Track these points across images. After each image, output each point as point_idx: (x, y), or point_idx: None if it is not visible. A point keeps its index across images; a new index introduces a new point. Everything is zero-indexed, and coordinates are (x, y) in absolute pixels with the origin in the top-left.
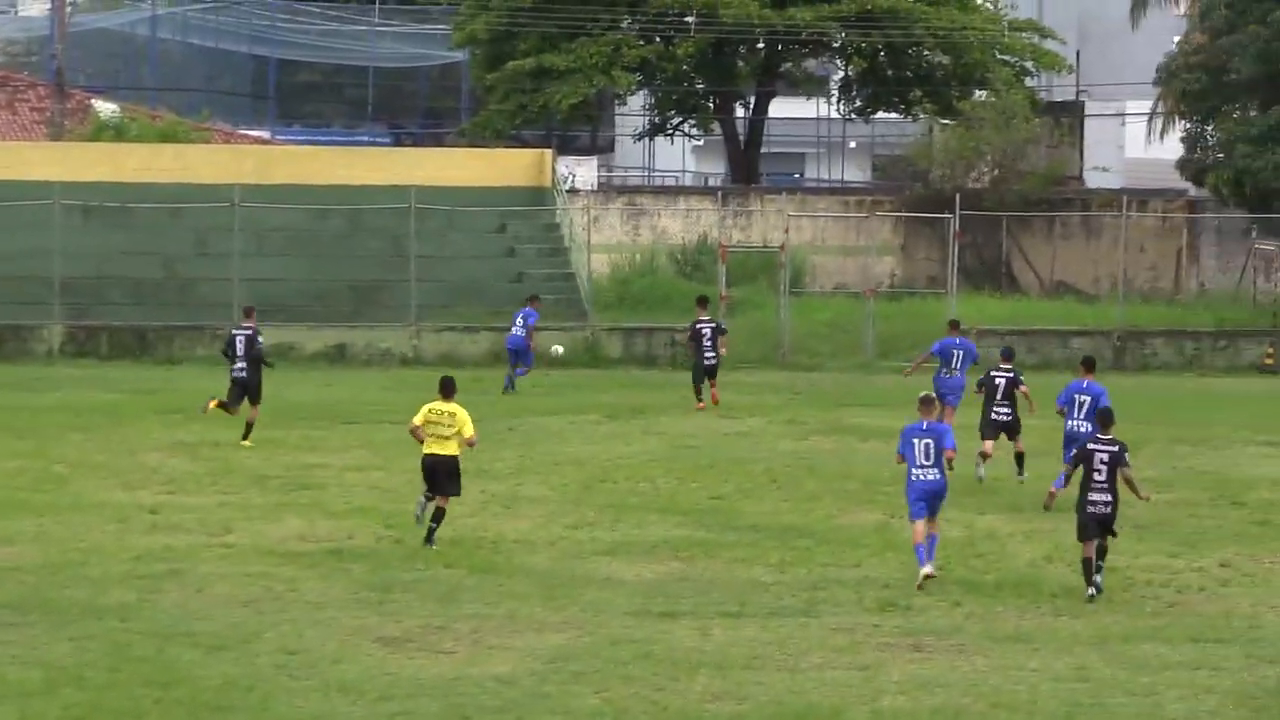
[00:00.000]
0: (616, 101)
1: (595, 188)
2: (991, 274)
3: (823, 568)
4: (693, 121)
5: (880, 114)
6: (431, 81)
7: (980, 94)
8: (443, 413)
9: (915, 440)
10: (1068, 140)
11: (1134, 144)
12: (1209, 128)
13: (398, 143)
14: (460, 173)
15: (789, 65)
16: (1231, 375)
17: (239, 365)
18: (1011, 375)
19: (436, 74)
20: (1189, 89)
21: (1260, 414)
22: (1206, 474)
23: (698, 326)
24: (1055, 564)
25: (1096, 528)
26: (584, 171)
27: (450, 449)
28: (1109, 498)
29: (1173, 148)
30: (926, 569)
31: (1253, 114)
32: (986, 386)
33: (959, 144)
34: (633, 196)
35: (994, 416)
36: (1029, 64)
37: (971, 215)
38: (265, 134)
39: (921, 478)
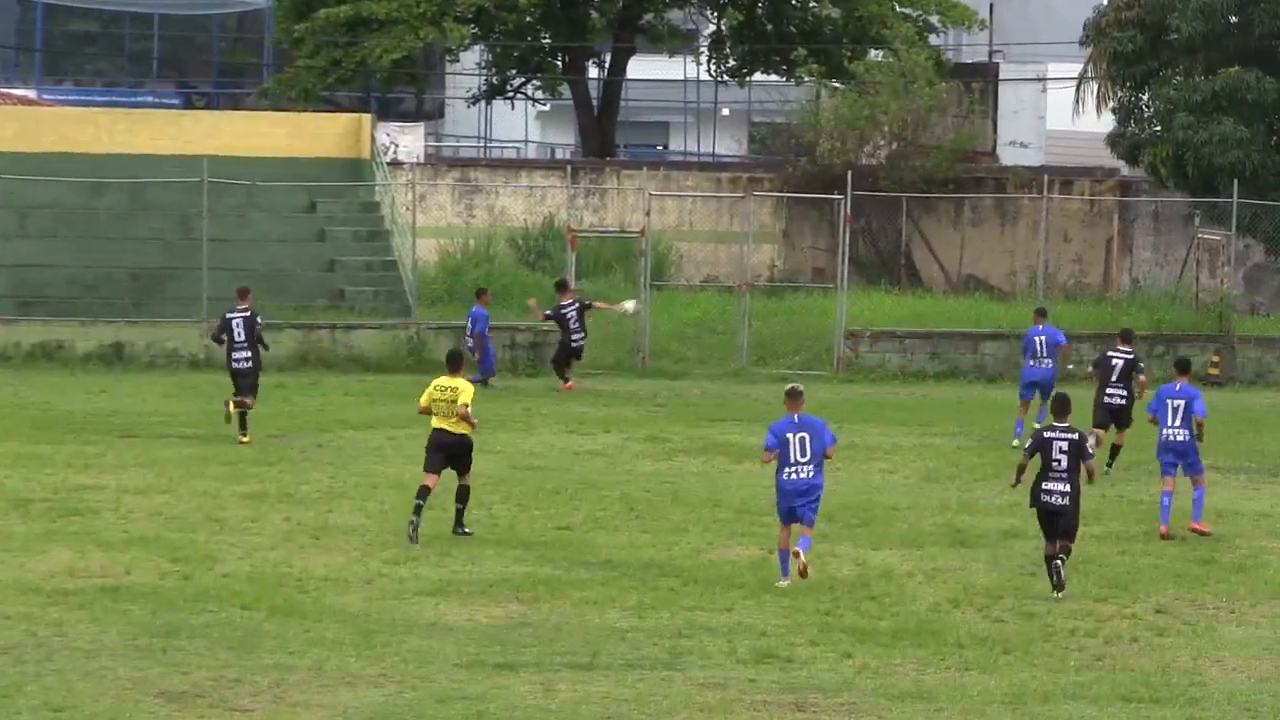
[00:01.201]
0: (448, 58)
1: (422, 160)
2: (889, 266)
3: (689, 612)
4: (537, 83)
5: (758, 76)
6: (228, 33)
7: (876, 53)
8: (448, 388)
9: (789, 436)
10: (979, 109)
11: (1057, 114)
12: (1144, 95)
13: (188, 105)
14: (262, 141)
15: (651, 17)
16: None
17: (241, 354)
18: (1131, 357)
19: (234, 24)
20: (1120, 50)
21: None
22: (1141, 504)
23: (561, 310)
24: (963, 608)
25: (1053, 522)
26: (409, 141)
27: (462, 426)
28: (1066, 488)
29: (1102, 119)
30: (784, 582)
31: (1195, 79)
32: (1103, 367)
33: (851, 112)
34: (466, 171)
35: (1106, 400)
36: (934, 19)
37: (866, 196)
38: (30, 93)
39: (792, 476)
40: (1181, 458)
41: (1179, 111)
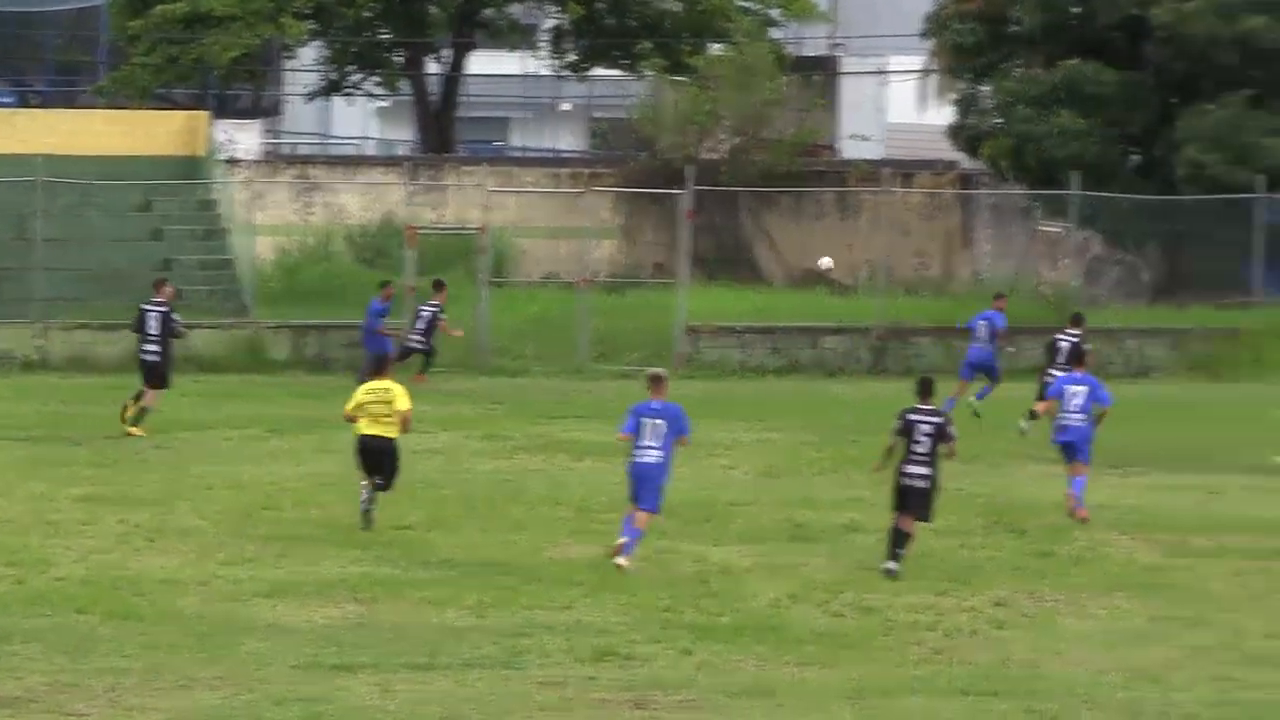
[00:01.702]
0: (285, 55)
1: (260, 157)
2: (730, 261)
3: (528, 610)
4: (376, 79)
5: (599, 71)
6: (63, 29)
7: (717, 47)
8: (379, 389)
9: (645, 420)
10: (821, 103)
11: (898, 107)
12: (985, 88)
13: (22, 103)
14: (97, 140)
15: (491, 12)
16: (1012, 380)
17: (151, 347)
18: (1078, 340)
19: (70, 20)
20: (962, 42)
21: (1045, 425)
22: (980, 497)
23: (422, 308)
24: (802, 603)
25: (906, 499)
26: (246, 138)
27: (390, 430)
28: (927, 471)
29: (943, 112)
30: (622, 559)
31: (1036, 71)
32: (1051, 349)
33: (692, 107)
34: (304, 168)
35: (1050, 378)
36: (775, 12)
37: (706, 191)
38: None
39: (640, 459)
40: (1078, 443)
41: (1019, 104)
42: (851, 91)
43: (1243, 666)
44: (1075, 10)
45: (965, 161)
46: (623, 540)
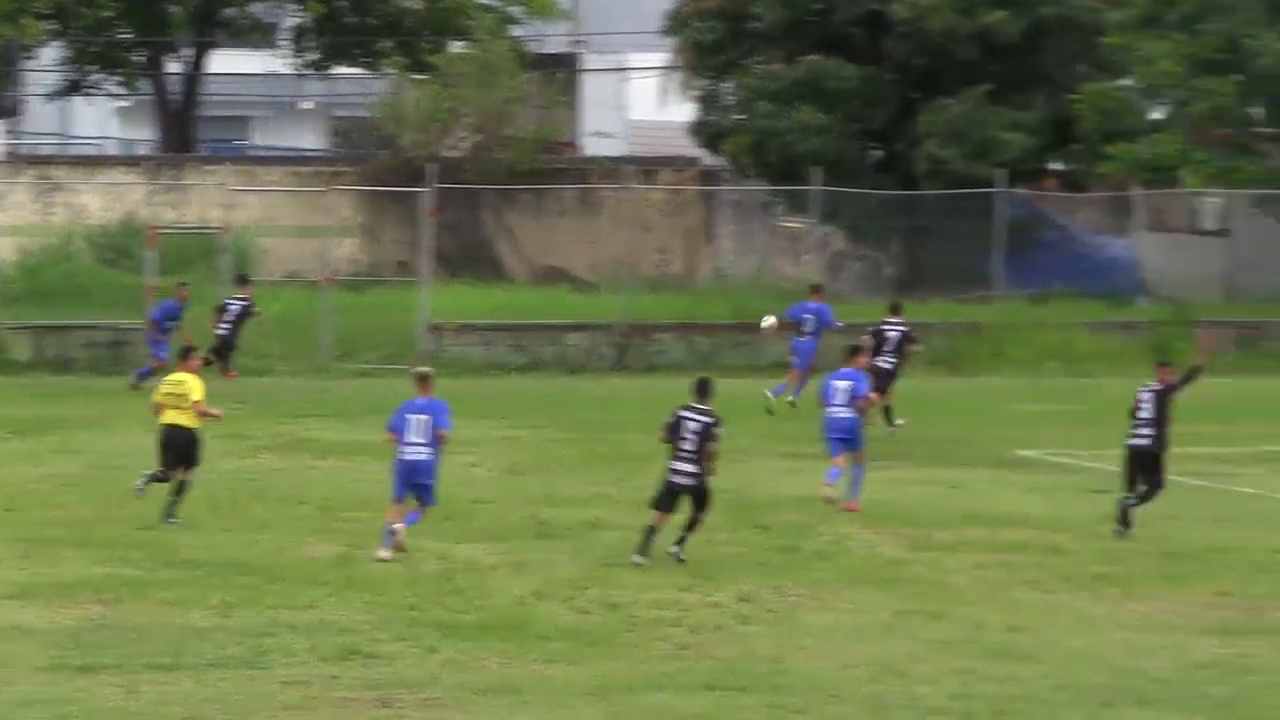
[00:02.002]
0: (25, 55)
1: (1, 158)
2: (473, 258)
3: (272, 610)
4: (117, 79)
5: (340, 69)
6: None
7: (459, 45)
8: (176, 382)
9: (410, 416)
10: (562, 100)
11: (640, 104)
12: (726, 85)
13: None
14: None
15: (232, 11)
16: (753, 376)
17: None
18: (905, 329)
19: None
20: (702, 40)
21: (784, 421)
22: (724, 493)
23: (229, 301)
24: (547, 600)
25: (671, 500)
26: None
27: (187, 419)
28: (693, 469)
29: (685, 109)
30: (384, 553)
31: (776, 67)
32: (878, 337)
33: (433, 105)
34: (45, 168)
35: (879, 364)
36: (516, 10)
37: (448, 189)
38: None
39: (406, 455)
40: (849, 434)
41: (760, 100)
42: (593, 89)
43: (984, 659)
44: (815, 6)
45: (707, 158)
46: (396, 526)
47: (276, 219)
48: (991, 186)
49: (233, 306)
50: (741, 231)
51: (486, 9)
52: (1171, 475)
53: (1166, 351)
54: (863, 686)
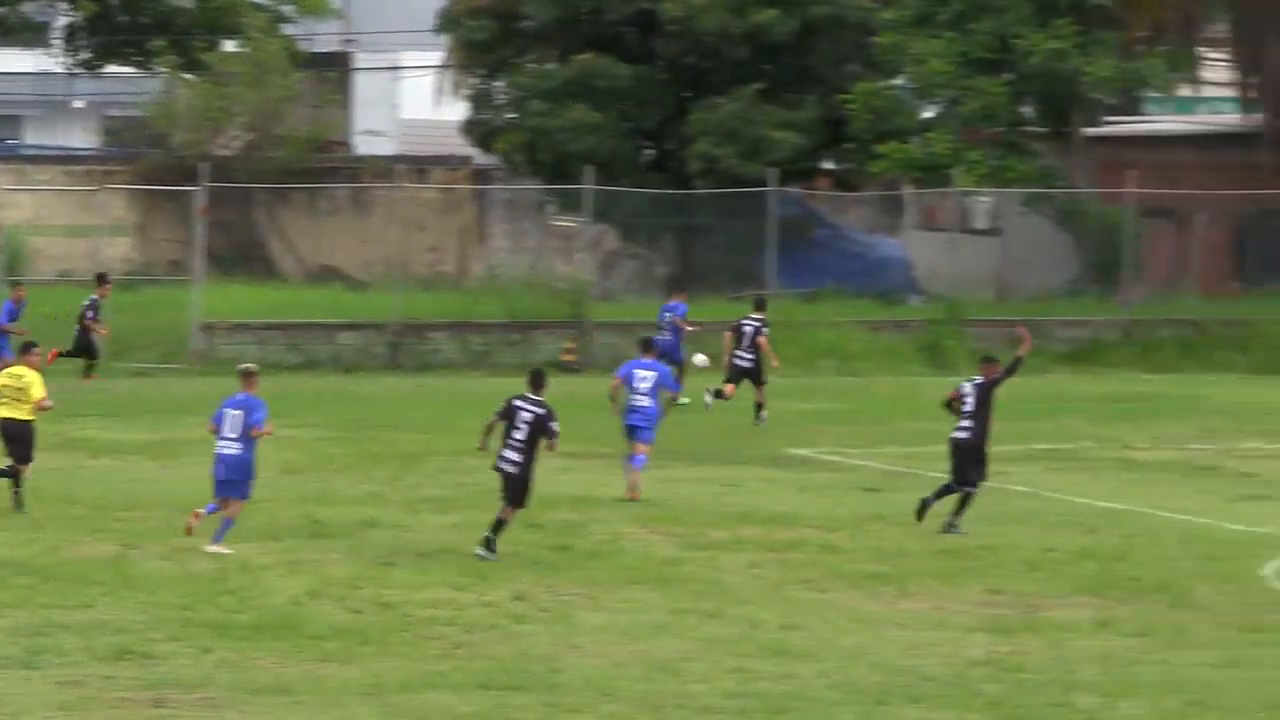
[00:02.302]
0: None
1: None
2: (246, 257)
3: (46, 610)
4: None
5: (112, 68)
6: None
7: (231, 44)
8: (15, 375)
9: (226, 411)
10: (334, 99)
11: (412, 103)
12: (499, 83)
13: None
14: None
15: (3, 9)
16: (525, 374)
17: None
18: (759, 323)
19: None
20: (474, 38)
21: (563, 418)
22: (497, 491)
23: (89, 301)
24: (321, 600)
25: (505, 487)
26: None
27: (23, 413)
28: (519, 458)
29: (458, 107)
30: (214, 546)
31: (548, 66)
32: (736, 333)
33: (205, 103)
34: None
35: (736, 361)
36: (287, 9)
37: (221, 188)
38: None
39: (221, 449)
40: (648, 422)
41: (532, 99)
42: (365, 88)
43: (759, 658)
44: (587, 5)
45: (480, 157)
46: (203, 515)
47: (48, 218)
48: (764, 185)
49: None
50: (514, 230)
51: (259, 8)
52: (943, 474)
53: (938, 349)
54: (637, 685)
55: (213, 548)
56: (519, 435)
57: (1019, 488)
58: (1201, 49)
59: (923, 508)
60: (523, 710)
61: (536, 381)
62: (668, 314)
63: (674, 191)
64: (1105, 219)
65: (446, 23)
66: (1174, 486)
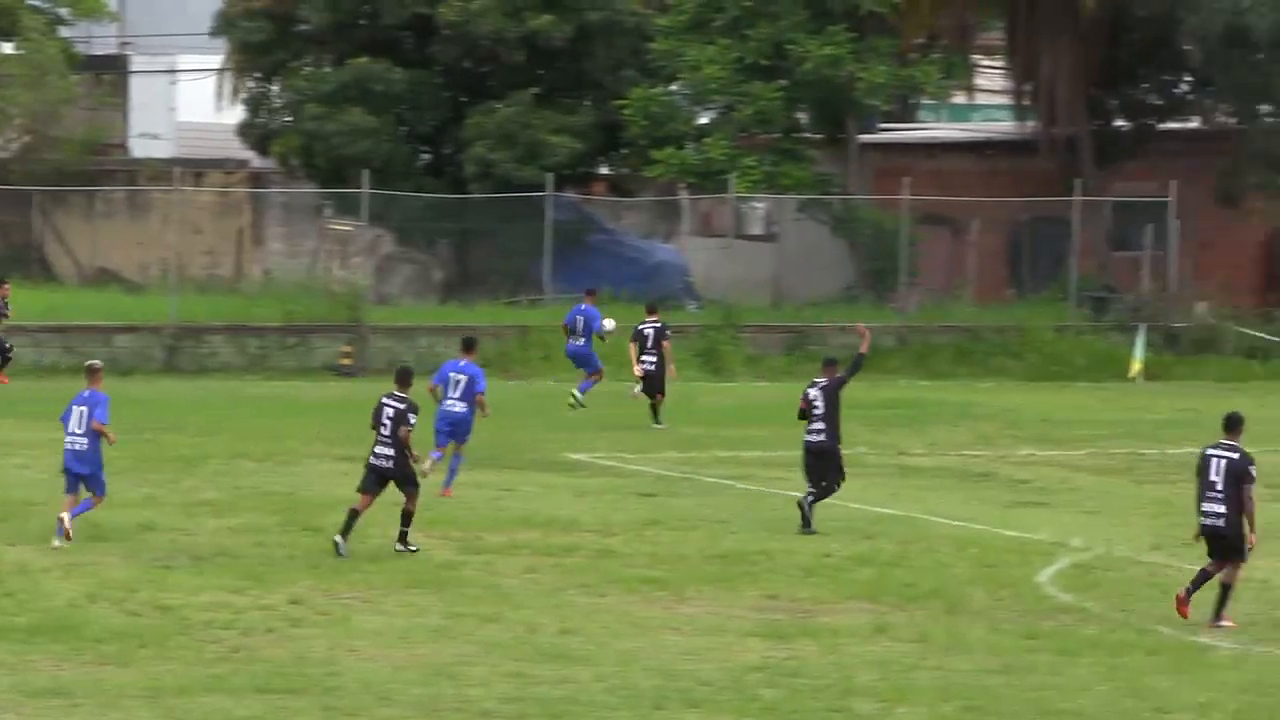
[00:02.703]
0: None
1: None
2: (21, 259)
3: None
4: None
5: None
6: None
7: (8, 46)
8: None
9: (74, 408)
10: (112, 101)
11: (189, 106)
12: (274, 86)
13: None
14: None
15: None
16: (304, 377)
17: None
18: (659, 326)
19: None
20: (250, 40)
21: (337, 423)
22: (275, 495)
23: None
24: (99, 603)
25: (373, 484)
26: None
27: None
28: (391, 453)
29: (235, 111)
30: (56, 542)
31: (325, 69)
32: (637, 338)
33: None
34: None
35: (642, 364)
36: (64, 11)
37: None
38: None
39: (67, 445)
40: (455, 428)
41: (309, 102)
42: (142, 90)
43: (536, 662)
44: (363, 9)
45: (257, 160)
46: (63, 515)
47: None
48: (540, 190)
49: None
50: (291, 233)
51: (36, 10)
52: (720, 479)
53: (715, 355)
54: (415, 689)
55: (56, 542)
56: (386, 431)
57: (795, 494)
58: (976, 57)
59: (805, 523)
60: (300, 714)
61: (403, 379)
62: (579, 316)
63: (450, 196)
64: (880, 225)
65: (223, 25)
66: (949, 493)
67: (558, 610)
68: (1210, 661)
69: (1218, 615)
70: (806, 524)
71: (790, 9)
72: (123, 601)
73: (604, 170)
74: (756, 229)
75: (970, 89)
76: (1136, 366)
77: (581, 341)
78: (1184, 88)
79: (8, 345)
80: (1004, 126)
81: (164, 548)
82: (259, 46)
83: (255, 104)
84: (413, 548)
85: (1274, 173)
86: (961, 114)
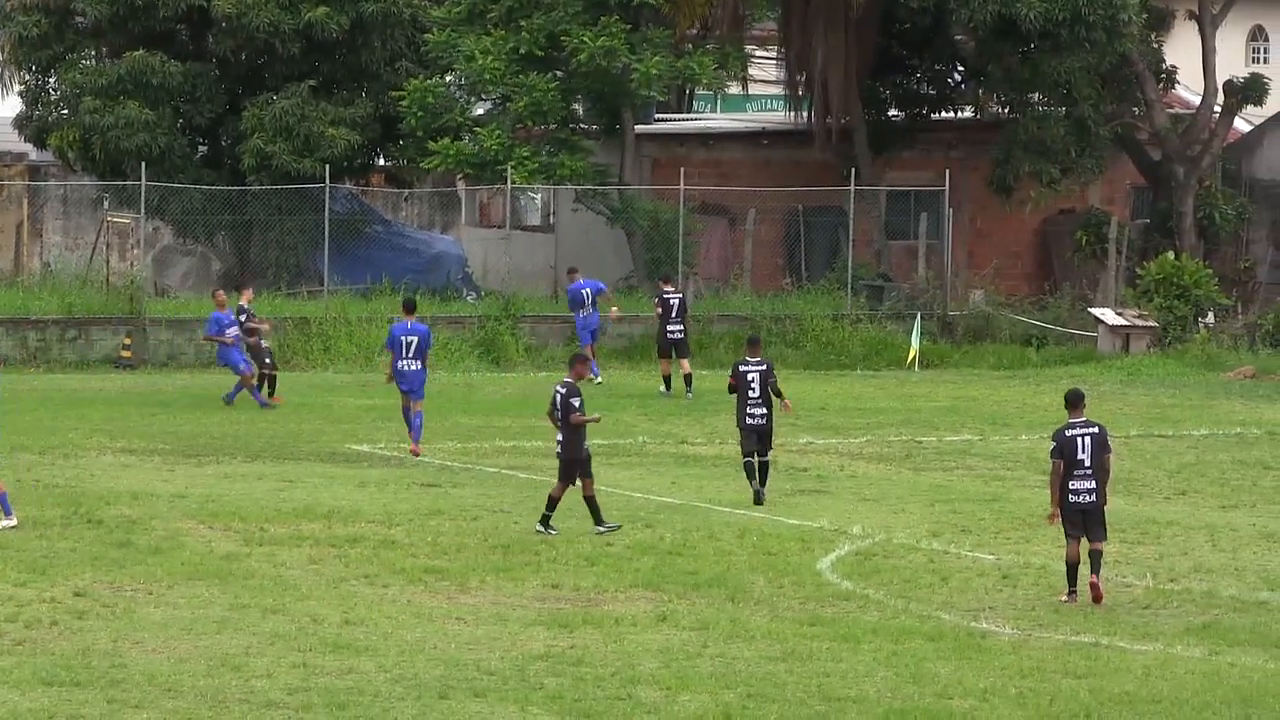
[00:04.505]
0: None
1: None
2: None
3: None
4: None
5: None
6: None
7: None
8: None
9: None
10: None
11: None
12: (51, 79)
13: None
14: None
15: None
16: (84, 370)
17: None
18: (681, 296)
19: None
20: (26, 34)
21: (117, 415)
22: (57, 488)
23: None
24: None
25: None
26: None
27: None
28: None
29: (11, 103)
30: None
31: (103, 62)
32: (663, 306)
33: None
34: None
35: (669, 335)
36: None
37: None
38: None
39: None
40: (414, 386)
41: (86, 95)
42: None
43: (320, 653)
44: (138, 2)
45: (34, 153)
46: None
47: None
48: (318, 182)
49: None
50: (70, 226)
51: None
52: (503, 469)
53: (494, 345)
54: (200, 680)
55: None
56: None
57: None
58: (750, 47)
59: (757, 497)
60: (85, 706)
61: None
62: (585, 290)
63: (229, 188)
64: (658, 215)
65: (1, 18)
66: (730, 481)
67: (341, 601)
68: (990, 647)
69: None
70: (759, 498)
71: (565, 0)
72: None
73: (382, 162)
74: (534, 220)
75: (745, 79)
76: (912, 354)
77: (592, 312)
78: (956, 78)
79: (270, 361)
80: (779, 117)
81: None
82: (35, 39)
83: (32, 97)
84: (553, 531)
85: (1046, 161)
86: (737, 104)
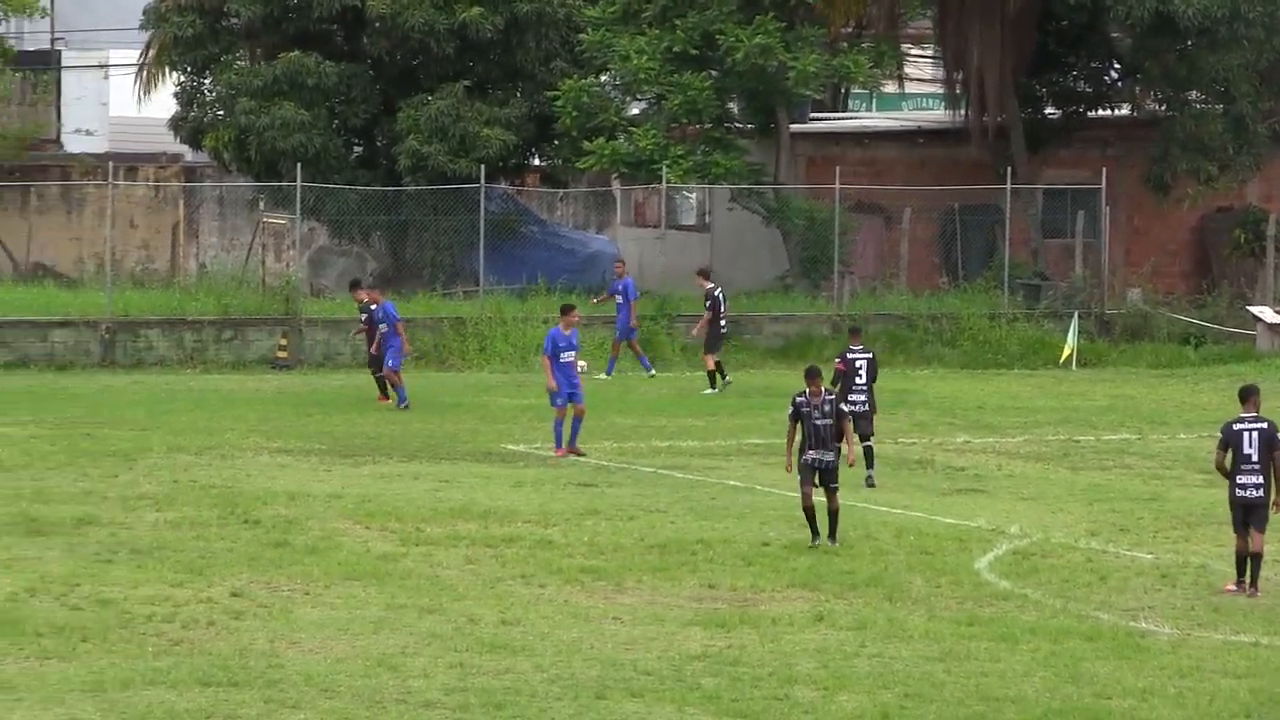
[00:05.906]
0: None
1: None
2: None
3: None
4: None
5: None
6: None
7: None
8: None
9: None
10: (44, 97)
11: (121, 101)
12: (206, 80)
13: None
14: None
15: None
16: (240, 371)
17: None
18: (720, 294)
19: None
20: (181, 35)
21: (273, 415)
22: (214, 488)
23: None
24: (40, 597)
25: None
26: None
27: None
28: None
29: (166, 105)
30: None
31: (257, 63)
32: (713, 303)
33: None
34: None
35: (722, 329)
36: None
37: None
38: None
39: None
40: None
41: (242, 95)
42: (74, 86)
43: (477, 653)
44: (291, 2)
45: (190, 154)
46: None
47: None
48: (472, 182)
49: None
50: (226, 227)
51: None
52: (659, 469)
53: (650, 345)
54: (357, 680)
55: None
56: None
57: (733, 482)
58: (906, 45)
59: (869, 482)
60: (243, 706)
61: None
62: (622, 286)
63: (384, 188)
64: (813, 215)
65: (153, 19)
66: (887, 480)
67: (498, 601)
68: (1149, 646)
69: (1254, 584)
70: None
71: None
72: (64, 596)
73: (537, 162)
74: (689, 219)
75: (900, 78)
76: (1068, 352)
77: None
78: (1113, 75)
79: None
80: (934, 115)
81: (104, 541)
82: (190, 41)
83: (187, 98)
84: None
85: (1203, 159)
86: (892, 103)
